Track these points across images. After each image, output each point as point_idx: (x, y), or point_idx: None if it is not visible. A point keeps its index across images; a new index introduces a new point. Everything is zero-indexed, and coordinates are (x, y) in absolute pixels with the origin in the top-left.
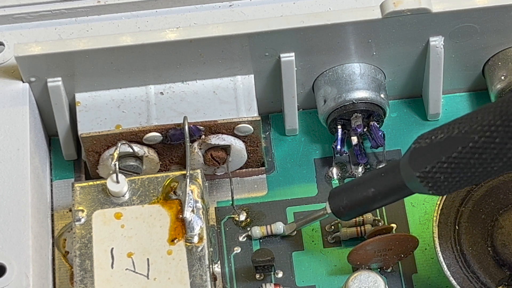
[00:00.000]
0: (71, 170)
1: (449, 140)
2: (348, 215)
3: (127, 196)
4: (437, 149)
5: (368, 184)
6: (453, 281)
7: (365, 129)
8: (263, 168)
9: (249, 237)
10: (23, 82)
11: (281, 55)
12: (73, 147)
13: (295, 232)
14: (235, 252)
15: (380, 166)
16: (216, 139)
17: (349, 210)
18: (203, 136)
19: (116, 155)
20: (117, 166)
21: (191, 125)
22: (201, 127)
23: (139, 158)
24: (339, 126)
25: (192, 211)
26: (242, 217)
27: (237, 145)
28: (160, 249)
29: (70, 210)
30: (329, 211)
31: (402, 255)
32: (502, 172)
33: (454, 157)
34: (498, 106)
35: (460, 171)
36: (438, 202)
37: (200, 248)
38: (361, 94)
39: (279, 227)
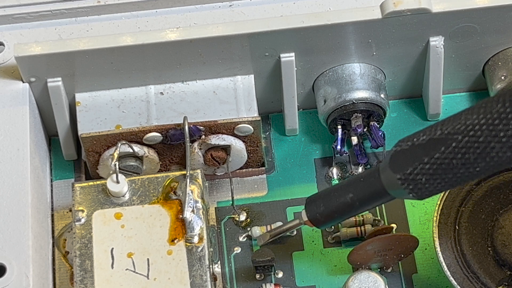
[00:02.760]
0: (71, 170)
1: (431, 141)
2: (325, 222)
3: (127, 196)
4: (419, 151)
5: (347, 189)
6: (453, 281)
7: (365, 129)
8: (263, 168)
9: (249, 237)
10: (23, 82)
11: (281, 55)
12: (73, 147)
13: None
14: (235, 252)
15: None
16: (216, 139)
17: (326, 217)
18: (203, 136)
19: (116, 155)
20: (117, 166)
21: (191, 125)
22: (201, 127)
23: (139, 158)
24: (339, 126)
25: (192, 211)
26: (242, 217)
27: (237, 145)
28: (160, 249)
29: (70, 210)
30: (305, 219)
31: (402, 255)
32: (485, 174)
33: (437, 158)
34: (482, 106)
35: (442, 173)
36: (438, 202)
37: (200, 248)
38: (361, 94)
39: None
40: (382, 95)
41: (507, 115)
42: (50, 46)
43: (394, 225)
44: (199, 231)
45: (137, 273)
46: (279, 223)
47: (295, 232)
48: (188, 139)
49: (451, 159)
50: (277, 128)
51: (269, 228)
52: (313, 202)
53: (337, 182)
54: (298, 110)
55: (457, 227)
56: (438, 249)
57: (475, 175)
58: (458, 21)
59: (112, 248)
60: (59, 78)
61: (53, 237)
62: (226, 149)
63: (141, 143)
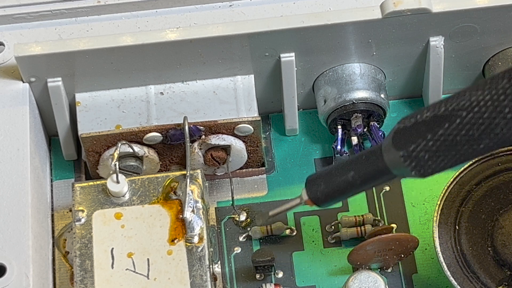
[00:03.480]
0: (71, 170)
1: (435, 118)
2: (326, 201)
3: (127, 196)
4: (422, 128)
5: (348, 167)
6: (453, 281)
7: (365, 129)
8: (263, 168)
9: (249, 237)
10: (23, 82)
11: (281, 55)
12: (73, 147)
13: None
14: (235, 252)
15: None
16: (216, 139)
17: (327, 195)
18: (203, 136)
19: (116, 155)
20: (117, 166)
21: (191, 125)
22: (201, 127)
23: (139, 158)
24: (339, 126)
25: (192, 211)
26: (242, 217)
27: (237, 145)
28: (160, 249)
29: (70, 210)
30: (305, 198)
31: (402, 255)
32: (488, 151)
33: (440, 135)
34: (487, 83)
35: (446, 150)
36: (438, 202)
37: (200, 248)
38: (361, 94)
39: (279, 227)
40: (382, 95)
41: None
42: (50, 46)
43: (394, 225)
44: (199, 231)
45: (137, 273)
46: (279, 224)
47: (295, 232)
48: (188, 139)
49: (455, 136)
50: (277, 128)
51: (269, 228)
52: (313, 180)
53: None
54: (298, 110)
55: (457, 227)
56: (438, 249)
57: (479, 152)
58: (458, 21)
59: (112, 248)
60: (59, 78)
61: (53, 237)
62: (226, 149)
63: (141, 143)
